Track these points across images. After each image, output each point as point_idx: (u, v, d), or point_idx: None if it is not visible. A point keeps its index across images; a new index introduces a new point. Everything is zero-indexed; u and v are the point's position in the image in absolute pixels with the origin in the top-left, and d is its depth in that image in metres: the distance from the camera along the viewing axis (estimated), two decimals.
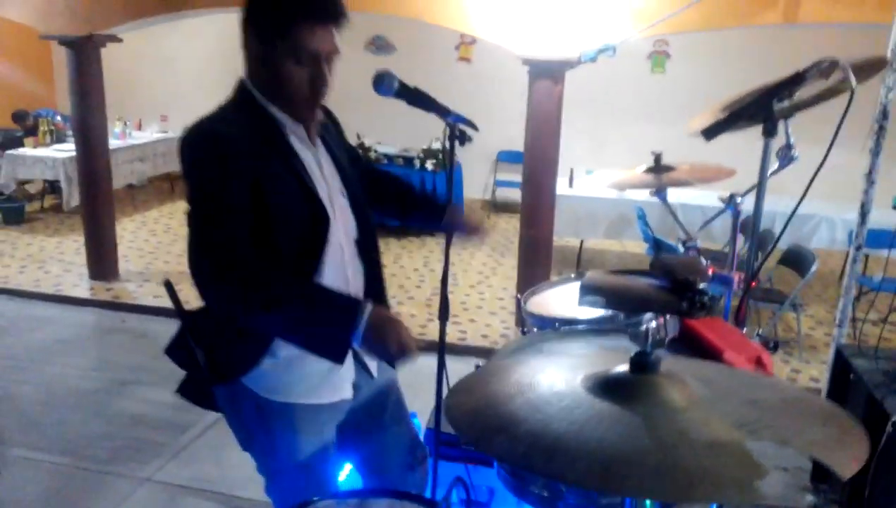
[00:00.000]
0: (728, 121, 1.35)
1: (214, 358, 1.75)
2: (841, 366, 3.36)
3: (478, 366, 1.32)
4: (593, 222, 6.36)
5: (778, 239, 1.66)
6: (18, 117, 8.32)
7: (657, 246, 5.21)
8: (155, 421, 3.92)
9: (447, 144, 1.73)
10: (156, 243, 7.12)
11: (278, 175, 1.60)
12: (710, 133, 1.34)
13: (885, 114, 3.30)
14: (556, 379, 1.00)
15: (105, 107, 5.72)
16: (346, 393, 1.82)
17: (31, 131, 8.15)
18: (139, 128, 8.85)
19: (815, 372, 4.68)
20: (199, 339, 1.76)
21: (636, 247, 7.16)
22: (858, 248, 3.54)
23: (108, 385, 4.32)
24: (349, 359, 1.78)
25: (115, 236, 6.09)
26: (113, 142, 6.71)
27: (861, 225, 3.50)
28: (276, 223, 1.60)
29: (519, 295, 1.90)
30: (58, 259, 6.53)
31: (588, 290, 1.26)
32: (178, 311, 1.77)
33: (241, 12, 1.64)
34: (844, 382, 3.31)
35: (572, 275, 2.11)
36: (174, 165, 9.04)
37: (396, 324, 1.51)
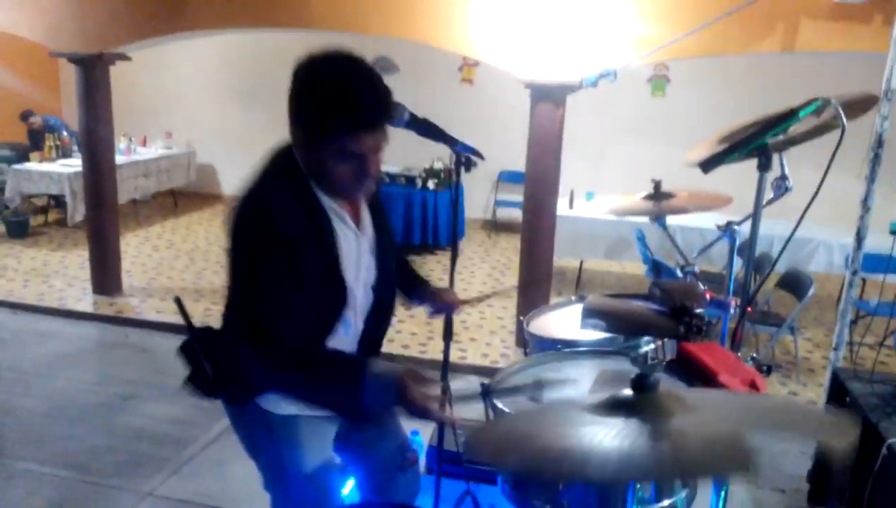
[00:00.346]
0: (724, 155, 1.40)
1: (223, 375, 1.80)
2: (837, 390, 3.40)
3: (483, 384, 1.37)
4: (593, 243, 6.42)
5: (774, 263, 1.71)
6: (25, 116, 8.40)
7: (656, 268, 5.26)
8: (157, 435, 3.95)
9: (453, 170, 1.79)
10: (159, 259, 7.17)
11: (311, 251, 1.62)
12: (707, 166, 1.40)
13: (880, 143, 3.37)
14: (567, 398, 1.06)
15: (112, 124, 5.80)
16: None
17: (37, 135, 8.24)
18: (144, 144, 8.94)
19: (813, 395, 4.72)
20: (207, 354, 1.81)
21: (636, 269, 7.21)
22: (854, 273, 3.60)
23: (111, 399, 4.35)
24: None
25: (119, 251, 6.14)
26: (118, 158, 6.78)
27: (857, 249, 3.55)
28: (301, 292, 1.62)
29: (522, 317, 1.96)
30: (62, 273, 6.58)
31: (589, 314, 1.31)
32: (188, 327, 1.82)
33: (289, 90, 1.60)
34: (840, 405, 3.35)
35: (573, 299, 2.17)
36: (178, 181, 9.14)
37: (408, 385, 1.49)
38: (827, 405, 3.52)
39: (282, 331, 1.58)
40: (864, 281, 5.93)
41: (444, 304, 2.10)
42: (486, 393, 1.39)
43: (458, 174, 1.76)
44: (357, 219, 1.77)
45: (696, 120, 7.99)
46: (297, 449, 1.83)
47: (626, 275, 7.38)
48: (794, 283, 4.78)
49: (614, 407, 1.04)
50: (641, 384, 1.05)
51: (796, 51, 4.40)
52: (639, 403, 1.05)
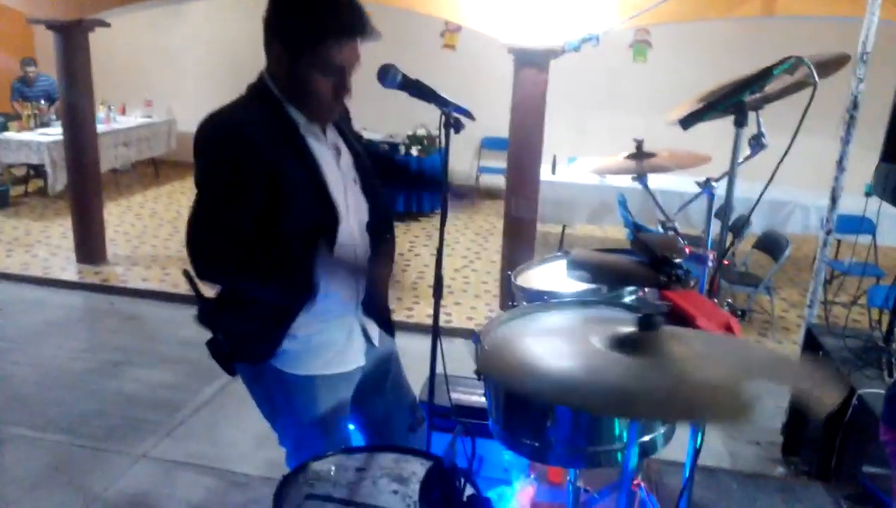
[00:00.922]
0: (702, 112, 1.47)
1: (236, 342, 1.85)
2: (811, 345, 3.53)
3: (475, 333, 1.44)
4: (576, 208, 6.49)
5: (746, 220, 1.78)
6: (26, 62, 8.29)
7: (637, 231, 5.35)
8: (149, 400, 4.01)
9: (440, 133, 1.84)
10: (142, 227, 7.16)
11: (292, 173, 1.67)
12: (687, 123, 1.46)
13: (855, 105, 3.45)
14: (570, 336, 1.13)
15: (93, 92, 5.75)
16: (361, 360, 1.94)
17: (23, 88, 8.17)
18: (123, 112, 8.85)
19: (788, 352, 4.87)
20: (217, 325, 1.86)
21: (617, 233, 7.32)
22: (829, 233, 3.70)
23: (100, 365, 4.39)
24: (357, 330, 1.92)
25: (102, 220, 6.13)
26: (98, 127, 6.73)
27: (831, 210, 3.66)
28: (286, 217, 1.68)
29: (509, 272, 2.03)
30: (45, 243, 6.55)
31: (575, 265, 1.38)
32: (198, 297, 1.87)
33: (266, 13, 1.68)
34: (813, 359, 3.48)
35: (557, 254, 2.24)
36: (158, 150, 9.06)
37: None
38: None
39: (241, 240, 1.63)
40: (838, 241, 6.08)
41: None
42: (478, 340, 1.45)
43: (447, 136, 1.81)
44: (325, 134, 1.81)
45: (677, 85, 8.01)
46: (314, 408, 1.87)
47: (609, 239, 7.48)
48: (771, 245, 4.90)
49: (620, 343, 1.11)
50: (648, 322, 1.12)
51: (776, 15, 4.46)
52: (642, 341, 1.11)
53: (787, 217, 6.15)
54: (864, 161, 3.98)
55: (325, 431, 1.89)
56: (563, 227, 7.12)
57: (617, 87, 8.45)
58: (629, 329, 1.14)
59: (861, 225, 4.36)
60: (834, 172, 3.60)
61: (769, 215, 6.04)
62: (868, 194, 6.83)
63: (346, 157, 1.85)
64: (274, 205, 1.65)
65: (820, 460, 3.04)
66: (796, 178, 4.84)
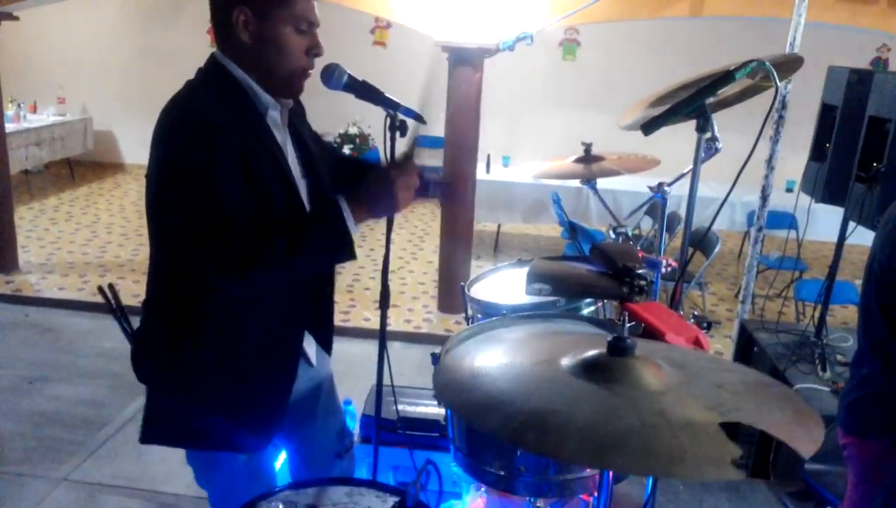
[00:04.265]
0: (665, 117, 1.43)
1: (206, 422, 1.66)
2: (746, 340, 3.60)
3: (433, 355, 1.36)
4: (510, 207, 6.51)
5: (689, 219, 1.77)
6: None
7: (572, 229, 5.37)
8: (69, 418, 3.76)
9: (387, 135, 1.75)
10: (57, 233, 6.76)
11: (261, 160, 1.55)
12: (649, 128, 1.42)
13: (783, 105, 3.54)
14: (536, 360, 1.05)
15: (0, 89, 5.38)
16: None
17: None
18: (34, 110, 8.35)
19: (720, 346, 4.97)
20: (176, 391, 1.68)
21: (551, 231, 7.36)
22: (760, 230, 3.79)
23: (15, 382, 4.10)
24: None
25: (13, 225, 5.74)
26: (6, 126, 6.32)
27: (762, 207, 3.74)
28: (258, 202, 1.54)
29: (462, 284, 1.95)
30: None
31: (535, 278, 1.31)
32: (130, 337, 1.70)
33: None
34: (749, 355, 3.55)
35: (509, 264, 2.17)
36: (74, 150, 8.60)
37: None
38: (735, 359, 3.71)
39: (246, 240, 1.47)
40: (763, 237, 6.28)
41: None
42: (437, 361, 1.37)
43: (392, 139, 1.71)
44: (284, 123, 1.70)
45: (605, 83, 8.17)
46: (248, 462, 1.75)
47: (543, 238, 7.52)
48: (702, 241, 4.99)
49: (589, 369, 1.03)
50: (619, 347, 1.04)
51: (704, 16, 4.54)
52: (614, 366, 1.04)
53: (714, 213, 6.29)
54: (786, 159, 4.10)
55: (255, 475, 1.76)
56: (499, 226, 7.11)
57: (547, 86, 8.50)
58: (599, 352, 1.07)
59: (785, 221, 4.49)
60: (760, 170, 3.67)
61: (697, 211, 6.13)
62: (790, 190, 7.09)
63: (293, 153, 1.72)
64: (248, 194, 1.51)
65: (758, 456, 3.09)
66: (721, 175, 4.96)
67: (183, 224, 1.50)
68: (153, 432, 1.69)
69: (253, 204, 1.51)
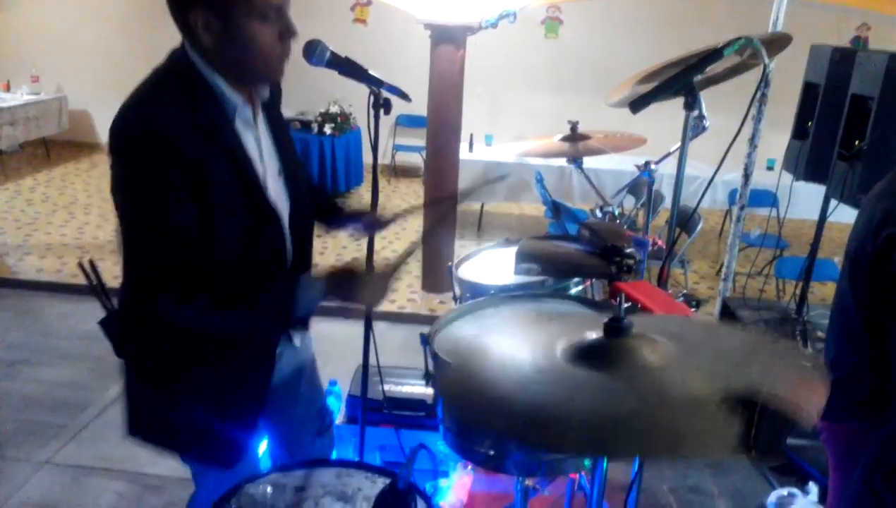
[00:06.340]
0: (653, 95, 1.43)
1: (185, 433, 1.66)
2: (728, 317, 3.63)
3: (422, 335, 1.35)
4: (493, 186, 6.49)
5: (676, 200, 1.77)
6: None
7: (556, 208, 5.38)
8: (49, 401, 3.72)
9: (371, 113, 1.73)
10: (34, 214, 6.65)
11: (220, 170, 1.47)
12: (637, 105, 1.41)
13: (766, 83, 3.54)
14: (535, 352, 1.03)
15: None
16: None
17: None
18: (7, 89, 8.18)
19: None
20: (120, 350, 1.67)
21: (534, 210, 7.35)
22: (742, 208, 3.81)
23: None
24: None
25: None
26: None
27: (745, 185, 3.76)
28: (217, 215, 1.49)
29: (450, 263, 1.94)
30: None
31: (523, 258, 1.31)
32: (101, 298, 1.67)
33: None
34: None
35: (496, 243, 2.16)
36: (49, 130, 8.44)
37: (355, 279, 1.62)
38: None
39: (181, 272, 1.44)
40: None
41: (367, 221, 2.02)
42: (426, 342, 1.37)
43: (376, 117, 1.69)
44: (256, 118, 1.62)
45: (587, 61, 8.14)
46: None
47: (526, 217, 7.52)
48: (684, 219, 5.02)
49: (587, 354, 1.01)
50: (616, 328, 1.02)
51: None
52: (612, 349, 1.02)
53: (696, 191, 6.33)
54: (766, 137, 4.12)
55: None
56: (482, 206, 7.10)
57: (529, 64, 8.46)
58: (595, 336, 1.04)
59: (767, 199, 4.53)
60: (738, 148, 3.69)
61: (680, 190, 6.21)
62: (770, 168, 7.13)
63: (269, 147, 1.65)
64: (205, 205, 1.45)
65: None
66: (703, 153, 4.98)
67: (126, 235, 1.48)
68: (137, 429, 1.69)
69: (200, 224, 1.46)
